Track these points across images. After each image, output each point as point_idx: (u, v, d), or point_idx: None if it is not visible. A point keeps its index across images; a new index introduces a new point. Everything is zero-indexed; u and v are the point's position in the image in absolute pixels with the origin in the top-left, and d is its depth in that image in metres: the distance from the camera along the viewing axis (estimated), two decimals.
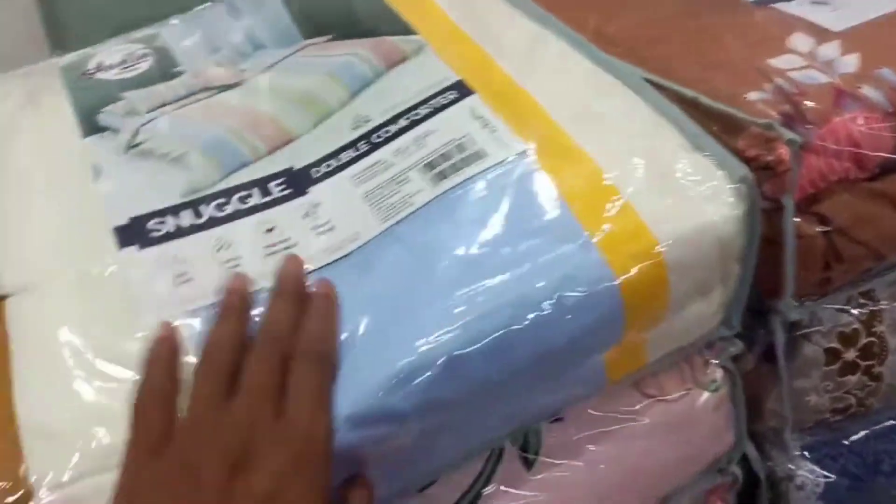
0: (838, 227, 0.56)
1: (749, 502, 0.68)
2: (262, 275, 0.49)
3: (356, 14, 0.68)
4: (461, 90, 0.58)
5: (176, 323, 0.46)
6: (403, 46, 0.63)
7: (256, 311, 0.46)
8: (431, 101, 0.58)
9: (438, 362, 0.44)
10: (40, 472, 0.42)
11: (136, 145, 0.59)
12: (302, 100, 0.61)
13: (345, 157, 0.56)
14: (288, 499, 0.38)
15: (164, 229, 0.53)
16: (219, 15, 0.71)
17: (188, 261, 0.51)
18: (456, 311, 0.45)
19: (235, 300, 0.46)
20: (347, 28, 0.66)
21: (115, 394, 0.45)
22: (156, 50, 0.69)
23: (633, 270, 0.47)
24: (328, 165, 0.56)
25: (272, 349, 0.42)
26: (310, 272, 0.49)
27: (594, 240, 0.48)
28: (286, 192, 0.55)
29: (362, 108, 0.59)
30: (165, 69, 0.66)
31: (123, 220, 0.53)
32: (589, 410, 0.55)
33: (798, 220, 0.55)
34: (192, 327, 0.47)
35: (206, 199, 0.55)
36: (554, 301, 0.46)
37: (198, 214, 0.54)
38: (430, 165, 0.53)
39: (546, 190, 0.50)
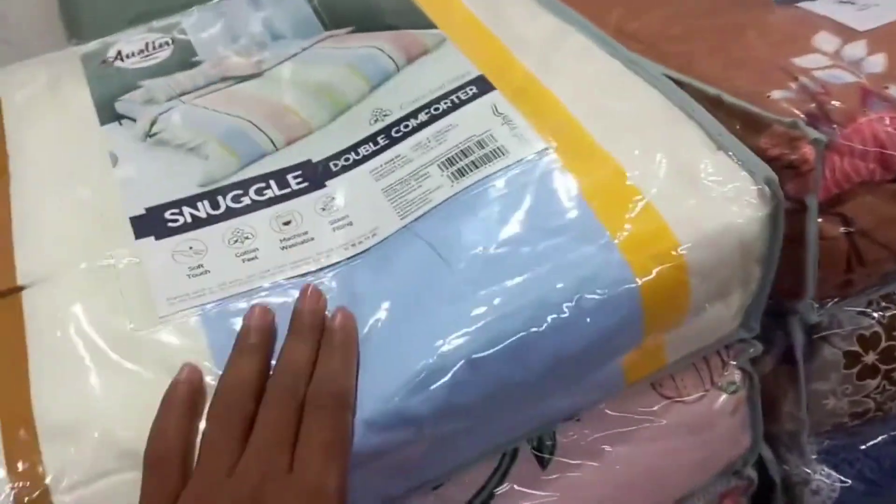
0: (861, 229, 0.56)
1: None
2: (278, 268, 0.50)
3: (377, 6, 0.67)
4: (482, 85, 0.57)
5: (191, 317, 0.46)
6: (424, 40, 0.62)
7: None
8: (452, 96, 0.57)
9: (457, 366, 0.43)
10: (57, 471, 0.42)
11: (154, 134, 0.59)
12: (321, 91, 0.60)
13: (363, 150, 0.56)
14: None
15: (181, 220, 0.53)
16: (239, 5, 0.71)
17: (204, 253, 0.51)
18: (474, 312, 0.45)
19: (254, 338, 0.45)
20: (368, 20, 0.66)
21: (133, 390, 0.45)
22: (175, 39, 0.68)
23: (654, 272, 0.46)
24: (346, 159, 0.55)
25: (286, 398, 0.42)
26: (327, 267, 0.49)
27: (615, 241, 0.47)
28: (304, 185, 0.54)
29: (382, 102, 0.59)
30: (184, 59, 0.66)
31: (140, 210, 0.53)
32: (606, 410, 0.55)
33: (820, 220, 0.54)
34: (207, 320, 0.47)
35: (224, 190, 0.54)
36: (573, 303, 0.45)
37: (215, 205, 0.53)
38: (449, 161, 0.53)
39: (567, 189, 0.50)
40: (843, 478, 0.65)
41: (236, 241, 0.51)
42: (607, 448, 0.55)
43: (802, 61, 0.58)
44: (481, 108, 0.56)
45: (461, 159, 0.53)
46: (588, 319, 0.45)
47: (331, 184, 0.54)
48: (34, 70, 0.68)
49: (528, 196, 0.50)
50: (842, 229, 0.56)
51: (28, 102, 0.65)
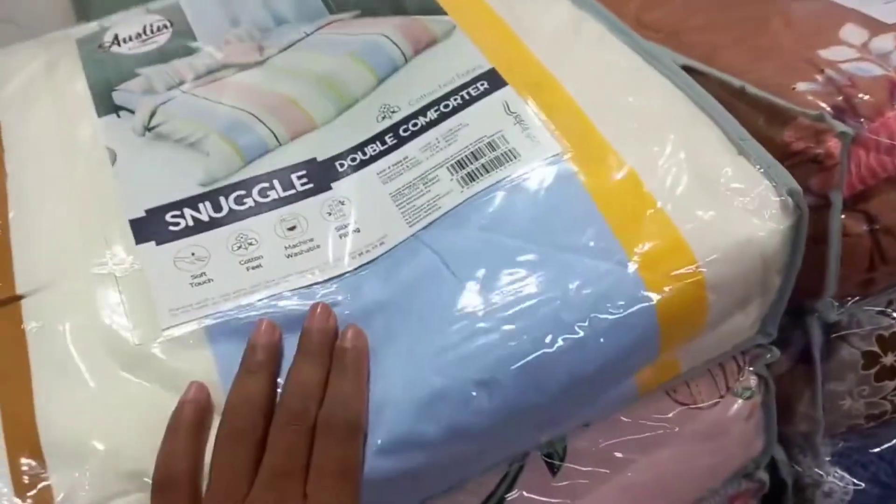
0: (885, 227, 0.54)
1: None
2: (283, 278, 0.48)
3: None
4: (493, 80, 0.55)
5: (196, 327, 0.45)
6: (433, 27, 0.60)
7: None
8: (462, 92, 0.55)
9: (466, 388, 0.43)
10: (65, 496, 0.41)
11: (153, 127, 0.57)
12: (326, 83, 0.58)
13: (370, 150, 0.54)
14: None
15: (182, 223, 0.51)
16: None
17: (207, 260, 0.49)
18: (484, 332, 0.44)
19: (261, 355, 0.44)
20: (375, 4, 0.63)
21: (138, 407, 0.44)
22: (174, 22, 0.65)
23: (671, 290, 0.45)
24: (353, 159, 0.53)
25: (297, 422, 0.41)
26: (334, 278, 0.48)
27: (631, 257, 0.46)
28: (309, 187, 0.52)
29: (389, 97, 0.56)
30: (183, 43, 0.63)
31: (140, 213, 0.51)
32: (619, 417, 0.54)
33: (843, 217, 0.53)
34: (211, 333, 0.46)
35: (226, 191, 0.52)
36: (587, 323, 0.44)
37: (217, 208, 0.52)
38: (459, 165, 0.51)
39: (581, 201, 0.48)
40: (856, 481, 0.64)
41: (240, 248, 0.50)
42: (619, 455, 0.54)
43: (829, 53, 0.56)
44: (493, 105, 0.54)
45: (471, 162, 0.51)
46: (602, 339, 0.44)
47: (336, 186, 0.52)
48: (34, 52, 0.65)
49: (540, 207, 0.48)
50: (865, 227, 0.54)
51: (27, 86, 0.62)
